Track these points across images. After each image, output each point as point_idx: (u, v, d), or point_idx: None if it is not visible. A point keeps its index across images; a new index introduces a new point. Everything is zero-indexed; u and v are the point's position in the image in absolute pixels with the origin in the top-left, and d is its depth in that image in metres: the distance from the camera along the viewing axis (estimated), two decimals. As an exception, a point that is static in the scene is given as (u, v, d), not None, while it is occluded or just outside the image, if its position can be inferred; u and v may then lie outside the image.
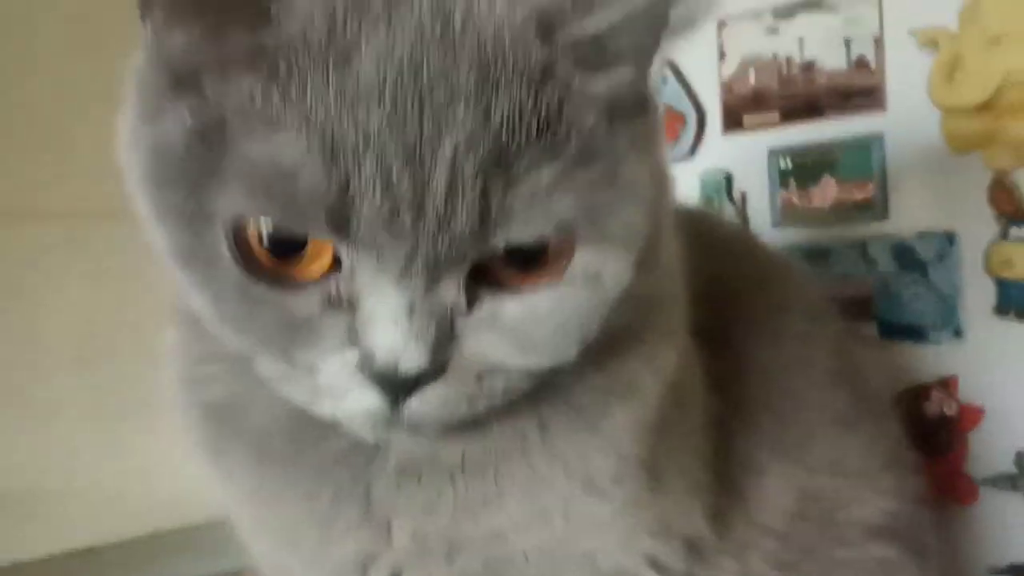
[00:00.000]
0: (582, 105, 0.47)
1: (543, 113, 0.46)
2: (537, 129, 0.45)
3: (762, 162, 1.16)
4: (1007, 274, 1.00)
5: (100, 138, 1.39)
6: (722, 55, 1.19)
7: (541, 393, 0.55)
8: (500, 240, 0.46)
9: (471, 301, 0.48)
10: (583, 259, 0.49)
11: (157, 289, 1.40)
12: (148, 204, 0.50)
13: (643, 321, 0.59)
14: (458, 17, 0.46)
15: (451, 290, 0.47)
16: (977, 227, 1.01)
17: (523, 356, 0.50)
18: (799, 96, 1.14)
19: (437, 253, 0.45)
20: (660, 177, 0.53)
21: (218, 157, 0.46)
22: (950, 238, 1.03)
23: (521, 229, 0.46)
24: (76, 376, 1.39)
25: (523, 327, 0.49)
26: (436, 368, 0.48)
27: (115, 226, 1.40)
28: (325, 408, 0.51)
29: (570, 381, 0.56)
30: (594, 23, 0.46)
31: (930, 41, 1.03)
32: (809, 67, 1.13)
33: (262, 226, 0.47)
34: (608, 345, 0.55)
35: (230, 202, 0.46)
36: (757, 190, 1.16)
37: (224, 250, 0.47)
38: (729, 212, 1.18)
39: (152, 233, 0.51)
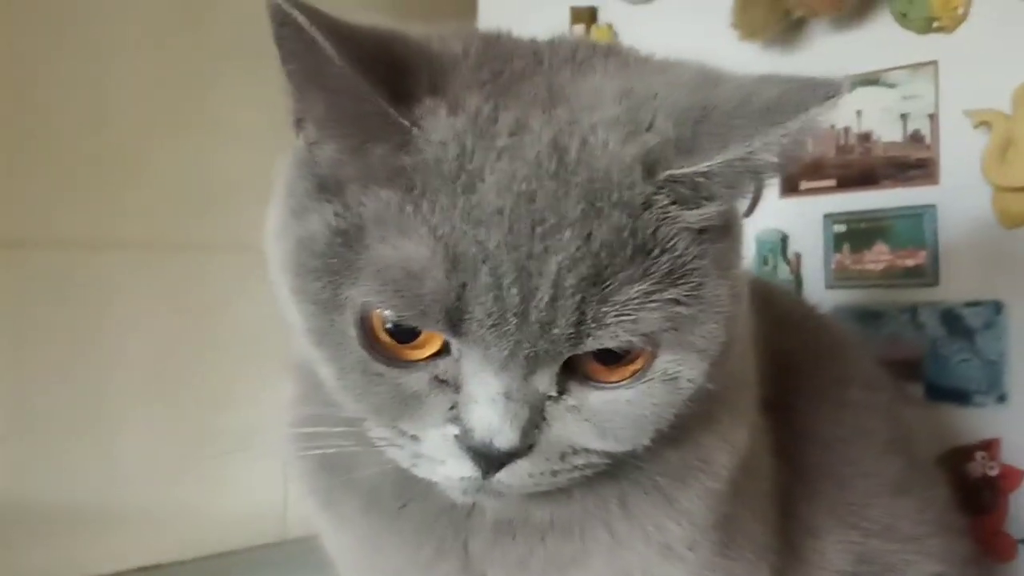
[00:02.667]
0: (675, 233, 0.53)
1: (639, 238, 0.52)
2: (632, 252, 0.51)
3: (817, 225, 1.22)
4: (1051, 345, 1.05)
5: (178, 172, 1.47)
6: (781, 122, 1.25)
7: (621, 469, 0.62)
8: (591, 345, 0.52)
9: (561, 390, 0.55)
10: (664, 363, 0.55)
11: (231, 318, 1.48)
12: (288, 289, 0.57)
13: (719, 404, 0.65)
14: (573, 152, 0.52)
15: (545, 380, 0.54)
16: (1024, 299, 1.06)
17: (602, 441, 0.57)
18: (855, 165, 1.20)
19: (536, 351, 0.52)
20: (738, 291, 0.59)
21: (355, 255, 0.53)
22: (997, 308, 1.08)
23: (611, 338, 0.52)
24: (149, 398, 1.46)
25: (604, 417, 0.56)
26: (525, 447, 0.54)
27: (190, 256, 1.48)
28: (423, 472, 0.58)
29: (649, 458, 0.62)
30: (693, 168, 0.52)
31: (983, 122, 1.08)
32: (866, 138, 1.19)
33: (386, 316, 0.53)
34: (685, 425, 0.61)
35: (362, 294, 0.53)
36: (812, 252, 1.22)
37: (351, 333, 0.55)
38: (783, 272, 1.24)
39: (289, 313, 0.58)
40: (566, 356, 0.53)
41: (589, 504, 0.63)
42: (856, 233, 1.19)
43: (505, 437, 0.53)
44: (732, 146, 0.51)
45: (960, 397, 1.11)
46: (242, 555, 1.47)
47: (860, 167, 1.19)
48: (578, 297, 0.51)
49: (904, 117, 1.16)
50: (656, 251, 0.53)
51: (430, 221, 0.51)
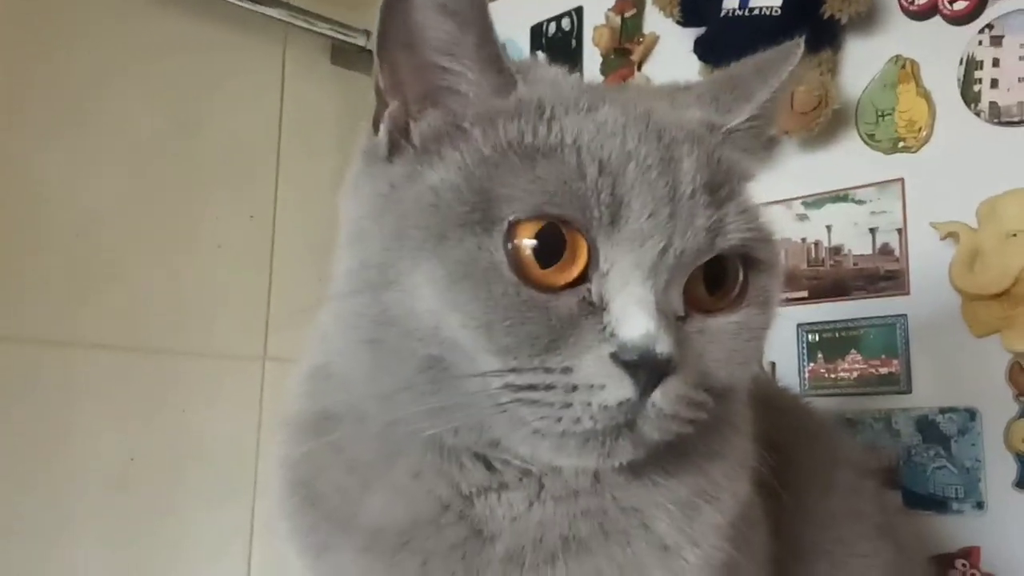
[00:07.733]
0: (739, 179, 0.62)
1: (723, 170, 0.60)
2: (722, 179, 0.59)
3: (791, 335, 1.25)
4: (1027, 450, 1.06)
5: (154, 279, 1.46)
6: (754, 236, 1.30)
7: (647, 476, 0.63)
8: (720, 245, 0.58)
9: (686, 314, 0.58)
10: (757, 284, 0.61)
11: (197, 423, 1.45)
12: (414, 239, 0.58)
13: (726, 443, 0.66)
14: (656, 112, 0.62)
15: (676, 298, 0.57)
16: (998, 405, 1.09)
17: (725, 367, 0.59)
18: (827, 277, 1.23)
19: (685, 247, 0.56)
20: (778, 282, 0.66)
21: (501, 175, 0.57)
22: (971, 414, 1.10)
23: (732, 235, 0.58)
24: (111, 505, 1.43)
25: (723, 341, 0.59)
26: (676, 362, 0.55)
27: (160, 361, 1.46)
28: (575, 413, 0.55)
29: (666, 475, 0.63)
30: (742, 117, 0.65)
31: (950, 233, 1.13)
32: (837, 251, 1.23)
33: (531, 242, 0.56)
34: (698, 454, 0.63)
35: (523, 205, 0.56)
36: (786, 361, 1.24)
37: (501, 258, 0.56)
38: (759, 380, 1.25)
39: (414, 271, 0.57)
40: (702, 259, 0.58)
41: (608, 520, 0.62)
42: (829, 342, 1.22)
43: (663, 342, 0.54)
44: (757, 94, 0.65)
45: (938, 504, 1.11)
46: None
47: (832, 279, 1.23)
48: (708, 197, 0.58)
49: (873, 231, 1.20)
50: (734, 185, 0.61)
51: (566, 137, 0.57)
